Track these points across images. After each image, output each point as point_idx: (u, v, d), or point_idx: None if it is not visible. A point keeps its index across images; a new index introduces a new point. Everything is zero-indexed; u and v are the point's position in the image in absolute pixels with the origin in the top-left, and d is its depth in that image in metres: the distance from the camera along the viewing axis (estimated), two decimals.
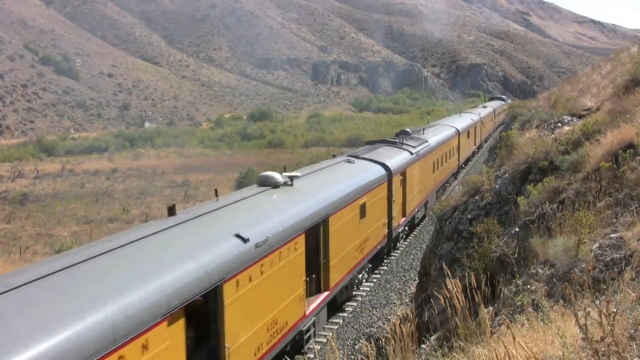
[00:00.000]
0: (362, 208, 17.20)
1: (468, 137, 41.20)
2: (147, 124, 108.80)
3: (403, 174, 22.18)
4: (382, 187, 19.28)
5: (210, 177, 55.31)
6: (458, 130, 36.29)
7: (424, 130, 30.96)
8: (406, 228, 23.94)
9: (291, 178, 14.18)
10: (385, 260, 21.42)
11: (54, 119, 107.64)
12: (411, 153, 23.78)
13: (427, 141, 27.40)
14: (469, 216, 12.16)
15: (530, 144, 12.95)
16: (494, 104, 69.99)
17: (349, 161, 18.82)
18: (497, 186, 12.32)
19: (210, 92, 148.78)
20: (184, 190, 49.48)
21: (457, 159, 37.12)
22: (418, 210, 25.54)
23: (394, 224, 21.04)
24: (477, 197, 12.74)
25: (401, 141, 24.69)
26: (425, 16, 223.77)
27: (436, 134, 31.04)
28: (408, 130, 29.43)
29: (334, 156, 21.33)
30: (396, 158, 21.83)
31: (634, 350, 3.78)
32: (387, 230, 20.33)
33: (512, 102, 78.68)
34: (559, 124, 15.53)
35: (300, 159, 55.14)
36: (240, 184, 42.91)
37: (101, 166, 64.05)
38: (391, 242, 21.53)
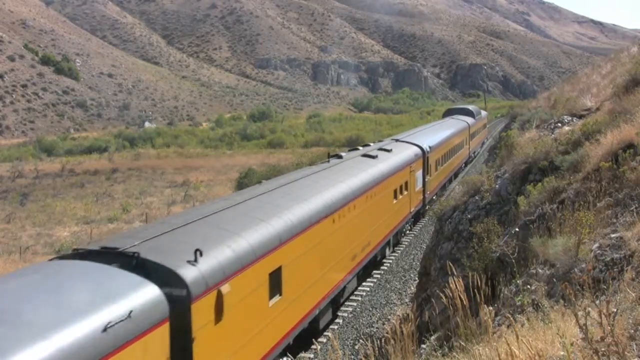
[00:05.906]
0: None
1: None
2: (147, 124, 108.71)
3: None
4: None
5: (210, 177, 55.32)
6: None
7: None
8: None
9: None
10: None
11: (54, 119, 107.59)
12: None
13: None
14: (469, 216, 12.16)
15: (530, 144, 12.96)
16: (442, 130, 32.55)
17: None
18: (497, 186, 12.32)
19: (210, 92, 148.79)
20: (184, 190, 49.48)
21: None
22: None
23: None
24: (477, 197, 12.74)
25: None
26: (425, 16, 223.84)
27: None
28: None
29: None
30: None
31: (634, 350, 3.78)
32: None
33: (509, 103, 67.38)
34: (559, 124, 15.53)
35: (300, 159, 55.10)
36: (240, 184, 42.92)
37: (101, 166, 63.90)
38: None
